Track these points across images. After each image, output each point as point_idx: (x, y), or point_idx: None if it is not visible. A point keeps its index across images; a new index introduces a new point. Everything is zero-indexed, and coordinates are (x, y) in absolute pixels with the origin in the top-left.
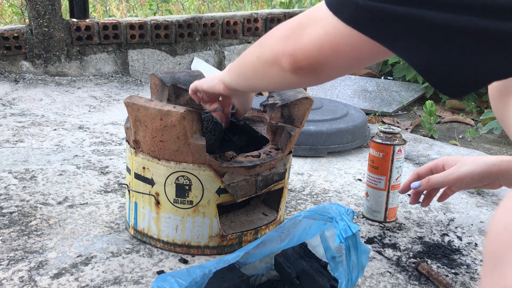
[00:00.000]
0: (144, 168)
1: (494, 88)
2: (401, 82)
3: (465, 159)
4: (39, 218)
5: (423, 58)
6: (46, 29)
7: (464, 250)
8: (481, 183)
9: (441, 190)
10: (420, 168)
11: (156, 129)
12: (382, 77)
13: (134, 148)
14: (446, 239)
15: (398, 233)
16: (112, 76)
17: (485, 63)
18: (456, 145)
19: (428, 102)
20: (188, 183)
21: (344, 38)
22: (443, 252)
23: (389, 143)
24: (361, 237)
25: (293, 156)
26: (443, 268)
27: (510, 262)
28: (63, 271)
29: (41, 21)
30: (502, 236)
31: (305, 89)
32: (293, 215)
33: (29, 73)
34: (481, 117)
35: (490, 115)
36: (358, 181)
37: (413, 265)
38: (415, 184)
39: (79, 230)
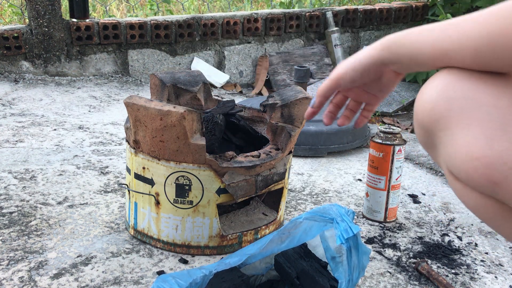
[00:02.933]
0: (144, 168)
1: (419, 141)
2: (401, 82)
3: None
4: (39, 218)
5: None
6: (46, 29)
7: (464, 250)
8: (368, 74)
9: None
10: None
11: (156, 129)
12: None
13: (134, 148)
14: (446, 239)
15: (398, 233)
16: (112, 76)
17: None
18: None
19: None
20: (188, 183)
21: None
22: (443, 252)
23: (389, 143)
24: (361, 237)
25: (293, 156)
26: (443, 268)
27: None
28: (63, 271)
29: (41, 21)
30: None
31: (305, 89)
32: (294, 217)
33: (29, 73)
34: None
35: None
36: (358, 181)
37: (413, 265)
38: (311, 103)
39: (79, 230)
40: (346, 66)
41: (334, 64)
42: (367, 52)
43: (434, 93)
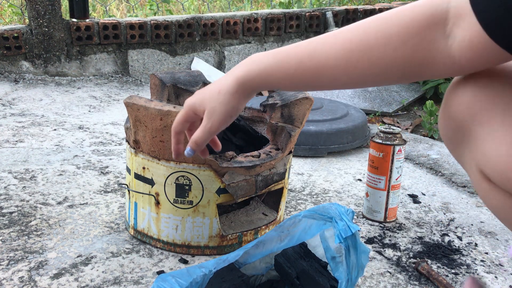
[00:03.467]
0: (144, 168)
1: (444, 136)
2: None
3: (207, 99)
4: (39, 218)
5: None
6: (46, 29)
7: (464, 250)
8: (241, 109)
9: None
10: (175, 125)
11: (156, 129)
12: None
13: (134, 148)
14: (446, 239)
15: (398, 233)
16: (112, 76)
17: None
18: None
19: (429, 102)
20: (188, 183)
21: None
22: (443, 252)
23: (389, 143)
24: (361, 237)
25: (293, 156)
26: (443, 268)
27: (478, 133)
28: (63, 271)
29: (41, 21)
30: (468, 106)
31: None
32: (293, 215)
33: (29, 73)
34: None
35: None
36: (358, 181)
37: (413, 265)
38: (189, 153)
39: (79, 230)
40: (222, 119)
41: None
42: (233, 104)
43: (475, 84)
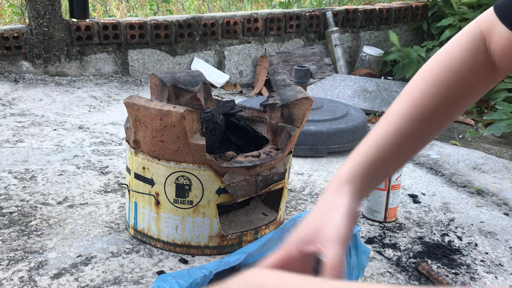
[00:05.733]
0: (144, 168)
1: None
2: (401, 82)
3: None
4: (39, 218)
5: None
6: (46, 29)
7: (464, 250)
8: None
9: None
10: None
11: (156, 129)
12: (382, 77)
13: (134, 148)
14: (446, 239)
15: (398, 233)
16: (112, 76)
17: None
18: (456, 145)
19: None
20: (188, 183)
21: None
22: (443, 252)
23: None
24: (361, 237)
25: (293, 156)
26: (443, 268)
27: None
28: (63, 271)
29: (41, 21)
30: None
31: (305, 89)
32: (294, 216)
33: (29, 73)
34: (484, 117)
35: (492, 116)
36: None
37: (413, 265)
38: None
39: (79, 230)
40: (345, 238)
41: (334, 64)
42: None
43: None
